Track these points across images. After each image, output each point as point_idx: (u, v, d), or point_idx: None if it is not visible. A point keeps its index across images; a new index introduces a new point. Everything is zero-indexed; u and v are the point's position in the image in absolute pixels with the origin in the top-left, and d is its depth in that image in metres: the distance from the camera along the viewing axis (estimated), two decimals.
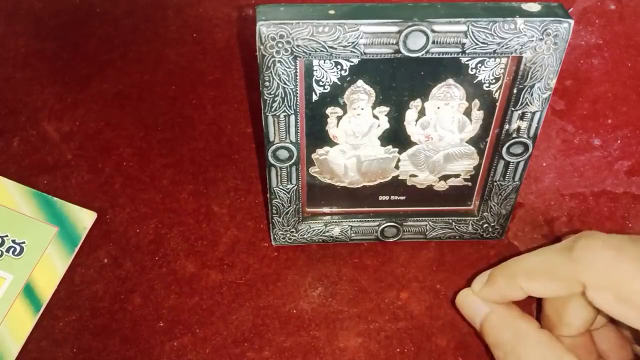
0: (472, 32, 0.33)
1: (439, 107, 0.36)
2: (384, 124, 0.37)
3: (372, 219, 0.42)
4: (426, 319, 0.40)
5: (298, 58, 0.33)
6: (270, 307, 0.41)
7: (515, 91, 0.35)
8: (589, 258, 0.32)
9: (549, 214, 0.45)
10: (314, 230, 0.42)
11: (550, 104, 0.48)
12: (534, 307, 0.40)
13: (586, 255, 0.32)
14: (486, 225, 0.42)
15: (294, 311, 0.41)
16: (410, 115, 0.37)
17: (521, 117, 0.36)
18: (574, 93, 0.50)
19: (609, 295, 0.31)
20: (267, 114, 0.35)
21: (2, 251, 0.41)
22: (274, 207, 0.40)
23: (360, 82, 0.35)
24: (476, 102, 0.36)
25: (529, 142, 0.37)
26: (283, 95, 0.34)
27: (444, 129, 0.37)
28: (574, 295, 0.34)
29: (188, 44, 0.53)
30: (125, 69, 0.51)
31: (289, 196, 0.39)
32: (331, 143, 0.38)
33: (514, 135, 0.37)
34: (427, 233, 0.42)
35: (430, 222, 0.42)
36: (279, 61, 0.33)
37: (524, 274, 0.35)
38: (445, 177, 0.40)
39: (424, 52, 0.33)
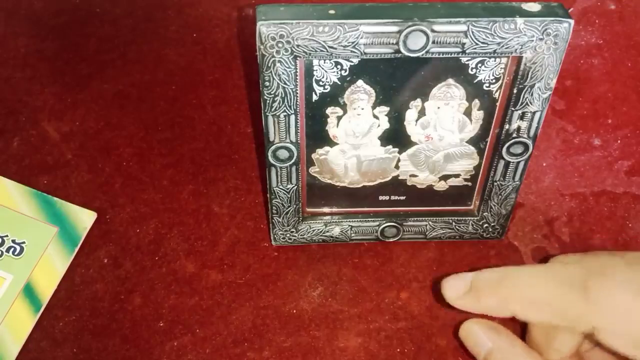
0: (472, 32, 0.33)
1: (439, 107, 0.36)
2: (384, 123, 0.37)
3: (372, 219, 0.42)
4: (426, 319, 0.40)
5: (298, 58, 0.33)
6: (270, 307, 0.41)
7: (515, 91, 0.35)
8: (606, 303, 0.31)
9: (549, 214, 0.45)
10: (314, 230, 0.42)
11: (550, 104, 0.48)
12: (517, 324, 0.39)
13: (603, 300, 0.31)
14: (486, 225, 0.42)
15: (294, 311, 0.41)
16: (410, 115, 0.37)
17: (521, 117, 0.36)
18: (574, 93, 0.50)
19: (626, 340, 0.31)
20: (267, 114, 0.35)
21: (2, 251, 0.41)
22: (274, 207, 0.40)
23: (360, 82, 0.35)
24: (476, 102, 0.36)
25: (529, 142, 0.37)
26: (283, 95, 0.34)
27: (444, 128, 0.37)
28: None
29: (188, 44, 0.53)
30: (125, 69, 0.51)
31: (289, 196, 0.39)
32: (331, 143, 0.38)
33: (514, 135, 0.37)
34: (427, 233, 0.42)
35: (430, 222, 0.42)
36: (279, 61, 0.33)
37: (522, 302, 0.34)
38: (445, 177, 0.40)
39: (424, 52, 0.33)
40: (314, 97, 0.36)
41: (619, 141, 0.48)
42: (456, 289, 0.36)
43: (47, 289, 0.41)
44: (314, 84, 0.35)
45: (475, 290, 0.35)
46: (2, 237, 0.42)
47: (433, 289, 0.41)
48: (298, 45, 0.33)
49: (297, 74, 0.34)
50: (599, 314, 0.31)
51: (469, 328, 0.37)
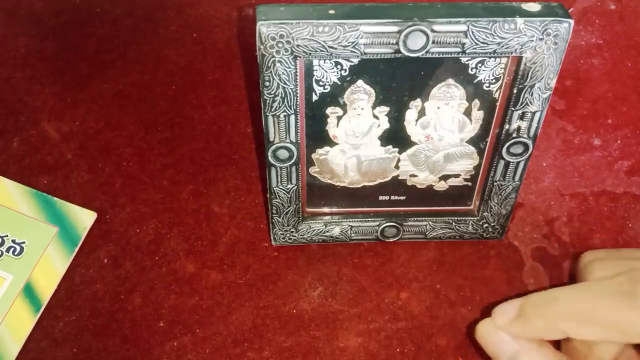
0: (472, 32, 0.33)
1: (439, 107, 0.36)
2: (384, 123, 0.37)
3: (372, 219, 0.42)
4: (426, 319, 0.40)
5: (298, 58, 0.33)
6: (270, 307, 0.41)
7: (515, 91, 0.35)
8: None
9: (549, 214, 0.45)
10: (314, 230, 0.42)
11: (550, 104, 0.48)
12: None
13: None
14: (486, 225, 0.42)
15: (294, 311, 0.41)
16: (410, 115, 0.37)
17: (521, 117, 0.36)
18: (574, 93, 0.50)
19: None
20: (267, 114, 0.35)
21: (2, 251, 0.41)
22: (274, 207, 0.40)
23: (360, 82, 0.35)
24: (476, 102, 0.36)
25: (529, 142, 0.37)
26: (283, 95, 0.34)
27: (444, 128, 0.37)
28: None
29: (188, 44, 0.53)
30: (125, 69, 0.51)
31: (289, 196, 0.39)
32: (331, 143, 0.38)
33: (514, 135, 0.37)
34: (427, 233, 0.42)
35: (430, 222, 0.42)
36: (279, 61, 0.33)
37: (571, 319, 0.32)
38: (445, 177, 0.40)
39: (424, 52, 0.33)
40: (314, 97, 0.36)
41: (619, 141, 0.48)
42: (506, 314, 0.35)
43: (47, 289, 0.41)
44: (314, 84, 0.35)
45: (524, 314, 0.34)
46: (2, 237, 0.42)
47: (433, 289, 0.41)
48: (298, 45, 0.33)
49: (297, 74, 0.34)
50: None
51: (488, 329, 0.35)
